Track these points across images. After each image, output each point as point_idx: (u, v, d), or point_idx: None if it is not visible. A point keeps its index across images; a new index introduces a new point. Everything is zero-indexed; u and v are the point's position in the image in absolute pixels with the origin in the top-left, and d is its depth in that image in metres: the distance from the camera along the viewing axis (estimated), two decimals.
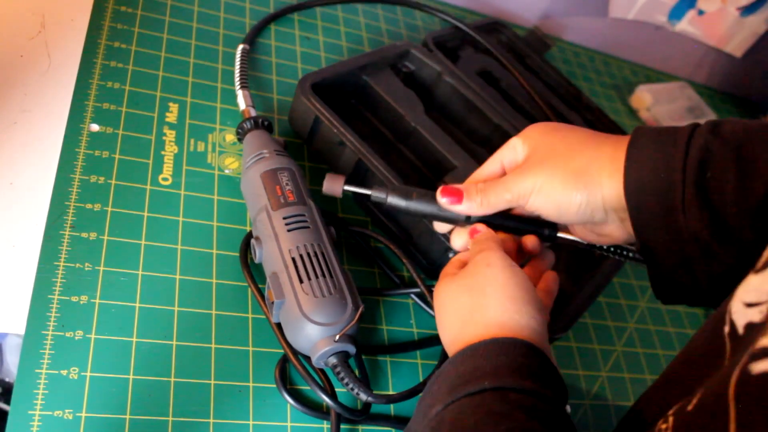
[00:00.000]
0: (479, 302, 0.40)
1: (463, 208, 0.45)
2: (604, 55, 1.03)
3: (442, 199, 0.45)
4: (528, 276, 0.41)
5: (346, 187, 0.49)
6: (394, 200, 0.47)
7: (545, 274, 0.48)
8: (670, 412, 0.30)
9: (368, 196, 0.48)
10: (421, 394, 0.39)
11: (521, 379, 0.34)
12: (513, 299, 0.39)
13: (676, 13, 0.99)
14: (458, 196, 0.45)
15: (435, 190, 0.47)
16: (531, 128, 0.46)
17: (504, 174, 0.47)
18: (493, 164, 0.48)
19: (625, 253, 0.47)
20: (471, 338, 0.38)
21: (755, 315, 0.29)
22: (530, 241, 0.47)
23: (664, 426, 0.29)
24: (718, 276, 0.39)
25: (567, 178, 0.42)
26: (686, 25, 1.00)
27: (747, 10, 0.99)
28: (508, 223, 0.46)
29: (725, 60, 1.09)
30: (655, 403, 0.36)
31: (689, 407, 0.28)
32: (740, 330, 0.29)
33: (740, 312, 0.30)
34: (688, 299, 0.43)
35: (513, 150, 0.46)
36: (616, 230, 0.44)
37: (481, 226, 0.45)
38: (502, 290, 0.40)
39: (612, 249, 0.47)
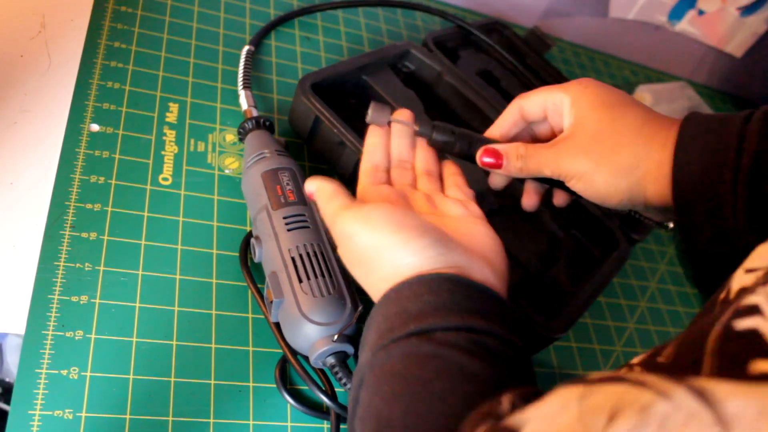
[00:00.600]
0: (369, 269, 0.38)
1: (501, 172, 0.45)
2: (604, 55, 1.03)
3: (483, 159, 0.45)
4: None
5: (393, 118, 0.47)
6: (439, 137, 0.47)
7: (444, 167, 0.48)
8: (635, 360, 0.29)
9: (414, 130, 0.47)
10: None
11: (447, 316, 0.33)
12: (401, 246, 0.36)
13: (676, 13, 0.99)
14: (498, 159, 0.45)
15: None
16: (581, 90, 0.44)
17: (523, 122, 0.47)
18: (512, 112, 0.47)
19: (650, 222, 0.47)
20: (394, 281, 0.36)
21: (749, 279, 0.28)
22: (528, 199, 0.48)
23: (623, 371, 0.28)
24: None
25: (612, 175, 0.41)
26: (686, 25, 1.00)
27: (747, 10, 0.99)
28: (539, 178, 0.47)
29: (725, 60, 1.09)
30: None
31: (660, 358, 0.27)
32: (732, 295, 0.29)
33: (738, 278, 0.29)
34: None
35: (559, 105, 0.44)
36: (655, 216, 0.44)
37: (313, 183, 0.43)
38: (380, 249, 0.37)
39: (637, 215, 0.46)
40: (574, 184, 0.43)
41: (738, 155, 0.37)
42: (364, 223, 0.38)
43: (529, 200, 0.49)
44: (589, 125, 0.42)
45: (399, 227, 0.37)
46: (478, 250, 0.39)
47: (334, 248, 0.42)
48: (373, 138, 0.48)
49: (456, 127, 0.48)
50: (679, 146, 0.39)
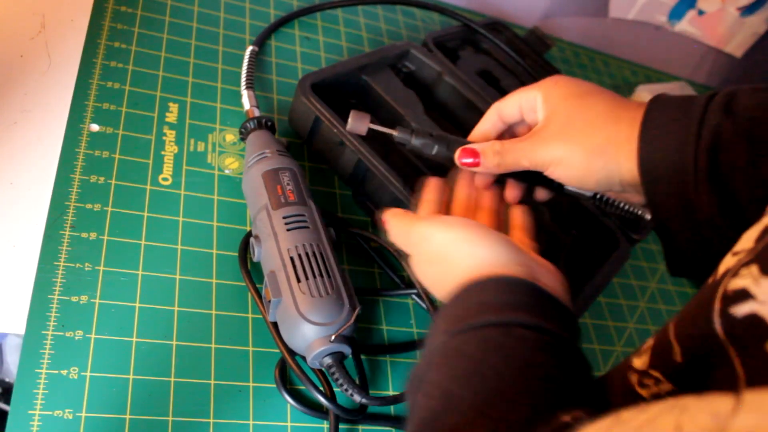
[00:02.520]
0: (446, 268, 0.39)
1: (480, 170, 0.46)
2: (604, 55, 1.03)
3: (461, 160, 0.47)
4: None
5: (371, 126, 0.48)
6: (418, 142, 0.48)
7: (512, 211, 0.49)
8: (638, 364, 0.29)
9: (392, 135, 0.48)
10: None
11: (527, 315, 0.33)
12: (479, 244, 0.38)
13: (676, 13, 0.99)
14: (476, 157, 0.46)
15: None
16: (551, 86, 0.46)
17: (502, 124, 0.48)
18: (491, 116, 0.48)
19: (628, 208, 0.48)
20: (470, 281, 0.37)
21: (732, 261, 0.29)
22: (510, 192, 0.49)
23: (648, 382, 0.28)
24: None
25: (586, 155, 0.43)
26: (686, 25, 1.00)
27: (747, 10, 0.99)
28: (518, 176, 0.48)
29: (725, 60, 1.09)
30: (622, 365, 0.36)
31: (676, 358, 0.28)
32: (718, 277, 0.29)
33: (725, 261, 0.30)
34: (700, 275, 0.42)
35: (532, 102, 0.46)
36: (634, 198, 0.45)
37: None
38: (459, 246, 0.39)
39: (615, 203, 0.47)
40: (552, 172, 0.44)
41: (700, 127, 0.39)
42: (442, 224, 0.41)
43: (512, 192, 0.50)
44: (560, 114, 0.44)
45: (476, 226, 0.40)
46: (544, 263, 0.41)
47: (332, 247, 0.42)
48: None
49: (436, 131, 0.49)
50: (645, 121, 0.41)
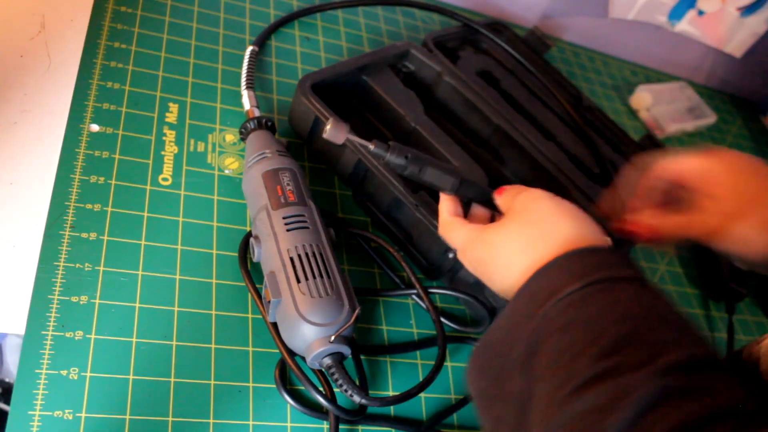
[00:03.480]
0: (544, 230, 0.40)
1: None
2: (604, 55, 1.03)
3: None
4: None
5: (350, 136, 0.48)
6: (392, 159, 0.47)
7: None
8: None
9: (368, 148, 0.47)
10: (490, 328, 0.38)
11: (622, 269, 0.35)
12: (578, 219, 0.40)
13: (676, 14, 0.99)
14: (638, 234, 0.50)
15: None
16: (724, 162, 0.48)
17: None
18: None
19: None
20: (547, 260, 0.37)
21: None
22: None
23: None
24: None
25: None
26: (686, 25, 1.00)
27: (747, 11, 0.99)
28: (483, 198, 0.48)
29: (725, 60, 1.09)
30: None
31: None
32: None
33: None
34: None
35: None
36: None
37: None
38: (564, 214, 0.40)
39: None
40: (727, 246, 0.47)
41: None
42: (549, 193, 0.43)
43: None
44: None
45: (582, 213, 0.42)
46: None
47: (332, 245, 0.42)
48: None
49: (412, 150, 0.47)
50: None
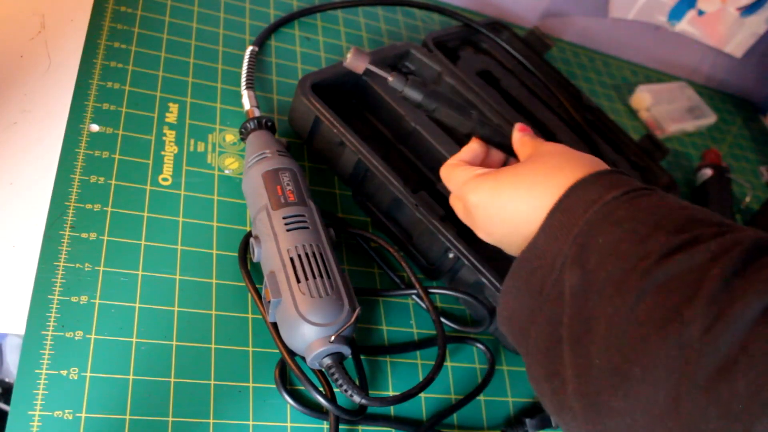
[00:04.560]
0: (563, 165, 0.40)
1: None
2: (604, 55, 1.03)
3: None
4: None
5: (370, 66, 0.48)
6: (409, 92, 0.48)
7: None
8: None
9: (386, 79, 0.48)
10: (524, 250, 0.38)
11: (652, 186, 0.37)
12: (595, 162, 0.40)
13: (676, 13, 0.99)
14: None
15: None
16: None
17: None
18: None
19: None
20: (563, 189, 0.38)
21: None
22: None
23: None
24: None
25: None
26: (686, 25, 1.00)
27: (747, 11, 0.99)
28: (502, 139, 0.50)
29: (725, 60, 1.09)
30: None
31: None
32: None
33: None
34: None
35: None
36: None
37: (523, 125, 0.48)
38: (582, 156, 0.40)
39: None
40: None
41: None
42: (567, 148, 0.43)
43: None
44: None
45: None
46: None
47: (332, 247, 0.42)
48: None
49: (430, 89, 0.49)
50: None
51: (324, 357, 0.44)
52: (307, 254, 0.46)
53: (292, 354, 0.46)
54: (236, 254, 0.51)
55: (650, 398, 0.29)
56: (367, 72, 0.48)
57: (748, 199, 0.92)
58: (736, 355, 0.27)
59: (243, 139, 0.56)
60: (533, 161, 0.42)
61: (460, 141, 0.64)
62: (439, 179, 0.61)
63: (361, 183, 0.58)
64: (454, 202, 0.46)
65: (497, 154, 0.51)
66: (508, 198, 0.41)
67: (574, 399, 0.32)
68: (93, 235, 0.47)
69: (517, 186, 0.41)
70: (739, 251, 0.29)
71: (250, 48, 0.64)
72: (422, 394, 0.51)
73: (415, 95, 0.48)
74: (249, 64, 0.62)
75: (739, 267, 0.29)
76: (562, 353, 0.33)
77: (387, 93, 0.63)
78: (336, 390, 0.47)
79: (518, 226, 0.40)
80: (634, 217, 0.34)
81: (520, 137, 0.47)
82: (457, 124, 0.49)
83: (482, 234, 0.44)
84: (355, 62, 0.48)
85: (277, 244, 0.46)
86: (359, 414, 0.46)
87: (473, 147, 0.49)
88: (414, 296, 0.55)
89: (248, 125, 0.55)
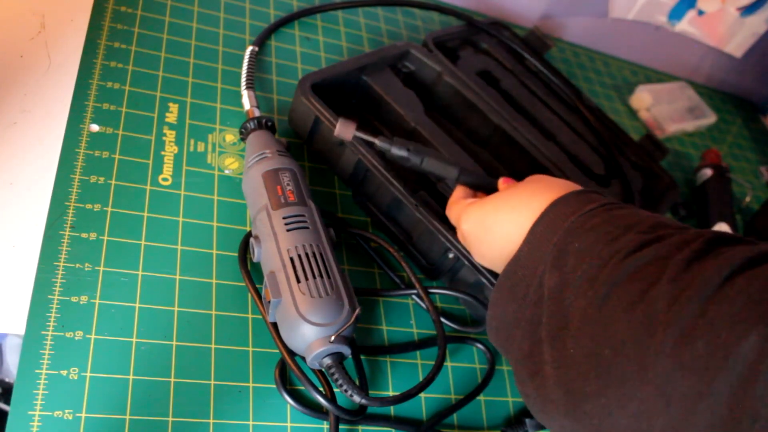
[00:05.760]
0: (545, 187, 0.43)
1: None
2: (604, 55, 1.03)
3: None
4: None
5: (357, 133, 0.51)
6: (396, 151, 0.52)
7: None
8: None
9: (374, 143, 0.52)
10: (512, 258, 0.40)
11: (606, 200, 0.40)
12: (572, 185, 0.43)
13: (676, 13, 0.99)
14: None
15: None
16: None
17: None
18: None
19: None
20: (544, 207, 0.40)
21: None
22: None
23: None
24: None
25: None
26: (686, 25, 1.00)
27: (747, 10, 0.99)
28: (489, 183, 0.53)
29: (725, 60, 1.09)
30: None
31: None
32: None
33: None
34: None
35: None
36: None
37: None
38: (557, 182, 0.43)
39: None
40: None
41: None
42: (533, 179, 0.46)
43: None
44: None
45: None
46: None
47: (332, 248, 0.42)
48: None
49: (413, 143, 0.52)
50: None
51: (324, 357, 0.44)
52: (307, 254, 0.46)
53: (292, 354, 0.46)
54: (236, 254, 0.51)
55: (621, 375, 0.31)
56: (356, 138, 0.52)
57: (748, 199, 0.92)
58: (695, 321, 0.29)
59: (243, 139, 0.56)
60: (515, 187, 0.45)
61: (461, 142, 0.64)
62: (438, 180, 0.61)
63: (361, 183, 0.58)
64: (459, 236, 0.50)
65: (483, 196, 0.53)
66: (493, 221, 0.44)
67: (554, 390, 0.34)
68: (93, 235, 0.47)
69: (499, 209, 0.44)
70: (701, 241, 0.32)
71: (250, 48, 0.64)
72: (422, 394, 0.51)
73: (402, 152, 0.51)
74: (249, 64, 0.62)
75: (701, 253, 0.32)
76: (542, 351, 0.36)
77: (387, 93, 0.63)
78: (336, 390, 0.47)
79: (504, 247, 0.43)
80: (608, 222, 0.37)
81: (504, 180, 0.51)
82: (444, 173, 0.52)
83: (477, 257, 0.48)
84: (344, 130, 0.51)
85: (277, 244, 0.46)
86: (359, 414, 0.46)
87: (460, 188, 0.53)
88: (414, 296, 0.55)
89: (248, 125, 0.55)
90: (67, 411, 0.40)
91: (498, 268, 0.44)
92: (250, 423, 0.45)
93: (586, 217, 0.38)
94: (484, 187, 0.53)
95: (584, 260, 0.35)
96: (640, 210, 0.39)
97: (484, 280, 0.52)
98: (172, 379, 0.44)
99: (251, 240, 0.48)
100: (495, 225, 0.44)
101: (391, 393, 0.50)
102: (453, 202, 0.51)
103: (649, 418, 0.30)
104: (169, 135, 0.56)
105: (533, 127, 0.68)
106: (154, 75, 0.59)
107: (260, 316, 0.49)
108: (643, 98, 0.95)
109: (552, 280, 0.36)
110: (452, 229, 0.53)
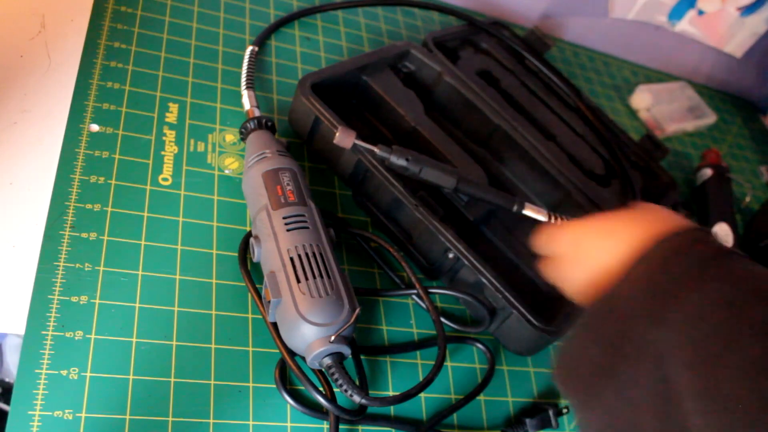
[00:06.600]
0: (641, 217, 0.40)
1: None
2: (604, 55, 1.03)
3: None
4: None
5: (357, 142, 0.53)
6: (395, 160, 0.53)
7: None
8: None
9: (374, 152, 0.53)
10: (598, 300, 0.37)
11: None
12: (677, 218, 0.40)
13: (676, 13, 0.99)
14: None
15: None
16: None
17: None
18: None
19: None
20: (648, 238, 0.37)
21: None
22: None
23: None
24: None
25: None
26: (686, 25, 1.00)
27: (747, 10, 0.99)
28: (488, 197, 0.55)
29: (725, 60, 1.09)
30: None
31: None
32: None
33: None
34: None
35: None
36: None
37: None
38: (660, 210, 0.40)
39: None
40: None
41: None
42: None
43: None
44: None
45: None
46: None
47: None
48: None
49: (412, 152, 0.53)
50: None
51: (324, 357, 0.44)
52: (307, 254, 0.46)
53: (292, 354, 0.46)
54: (236, 254, 0.51)
55: None
56: (355, 147, 0.53)
57: (748, 199, 0.92)
58: None
59: (243, 139, 0.56)
60: (612, 213, 0.42)
61: (461, 142, 0.64)
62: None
63: (361, 183, 0.58)
64: (543, 264, 0.45)
65: None
66: (590, 244, 0.41)
67: None
68: (93, 235, 0.47)
69: (598, 231, 0.41)
70: None
71: (250, 48, 0.64)
72: (422, 394, 0.51)
73: (401, 161, 0.53)
74: (249, 64, 0.62)
75: None
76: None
77: (387, 93, 0.63)
78: (336, 390, 0.47)
79: (598, 273, 0.39)
80: (726, 280, 0.33)
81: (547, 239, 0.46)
82: (442, 182, 0.53)
83: (569, 287, 0.43)
84: (343, 139, 0.52)
85: (277, 244, 0.47)
86: (359, 414, 0.46)
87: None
88: (414, 296, 0.55)
89: (248, 125, 0.55)
90: (67, 411, 0.40)
91: (584, 297, 0.41)
92: (250, 423, 0.45)
93: (699, 265, 0.34)
94: (480, 198, 0.52)
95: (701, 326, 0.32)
96: (755, 264, 0.35)
97: (484, 280, 0.52)
98: (172, 379, 0.44)
99: (251, 240, 0.48)
100: (592, 249, 0.40)
101: (391, 393, 0.50)
102: (547, 227, 0.47)
103: None
104: (169, 135, 0.56)
105: (533, 127, 0.68)
106: (154, 75, 0.59)
107: (260, 316, 0.49)
108: (643, 98, 0.95)
109: (663, 343, 0.32)
110: (453, 229, 0.53)
